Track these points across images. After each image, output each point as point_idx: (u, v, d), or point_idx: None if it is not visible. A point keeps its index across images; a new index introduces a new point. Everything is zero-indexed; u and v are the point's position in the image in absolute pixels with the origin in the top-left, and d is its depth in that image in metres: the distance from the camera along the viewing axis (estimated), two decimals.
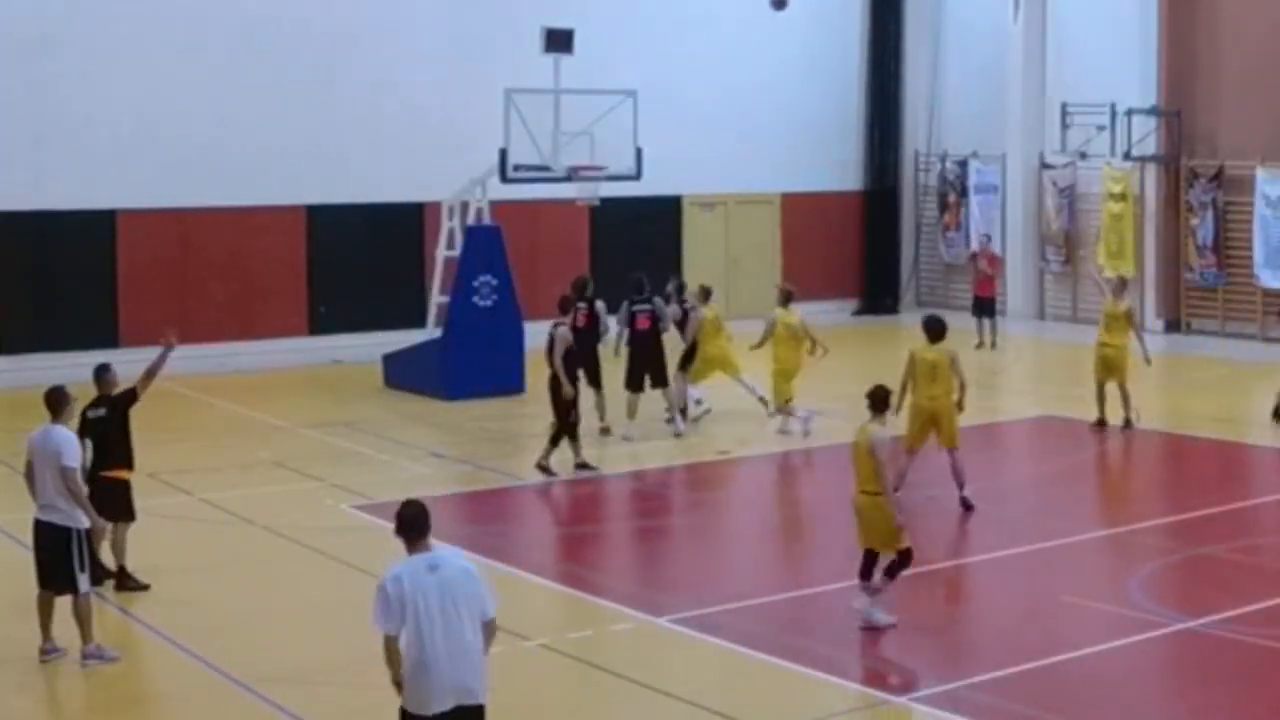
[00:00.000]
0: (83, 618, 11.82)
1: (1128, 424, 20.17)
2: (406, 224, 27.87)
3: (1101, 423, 20.28)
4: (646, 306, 20.23)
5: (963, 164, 32.76)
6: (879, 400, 12.70)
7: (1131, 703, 11.27)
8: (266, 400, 23.13)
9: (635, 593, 13.73)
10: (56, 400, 12.13)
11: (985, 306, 28.34)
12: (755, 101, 31.39)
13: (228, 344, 26.38)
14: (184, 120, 26.11)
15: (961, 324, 29.22)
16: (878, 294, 33.53)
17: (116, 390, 13.65)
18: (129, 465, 13.83)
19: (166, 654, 12.35)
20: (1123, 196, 29.63)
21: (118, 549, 13.62)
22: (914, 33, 33.56)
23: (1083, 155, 29.67)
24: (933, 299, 33.62)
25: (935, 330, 16.37)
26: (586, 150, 22.23)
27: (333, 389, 24.27)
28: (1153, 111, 28.99)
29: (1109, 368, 20.18)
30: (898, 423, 14.97)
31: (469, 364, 22.50)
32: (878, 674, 11.58)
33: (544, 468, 17.78)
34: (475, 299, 22.98)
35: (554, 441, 17.80)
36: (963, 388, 16.22)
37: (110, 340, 24.76)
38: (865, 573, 12.47)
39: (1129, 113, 28.74)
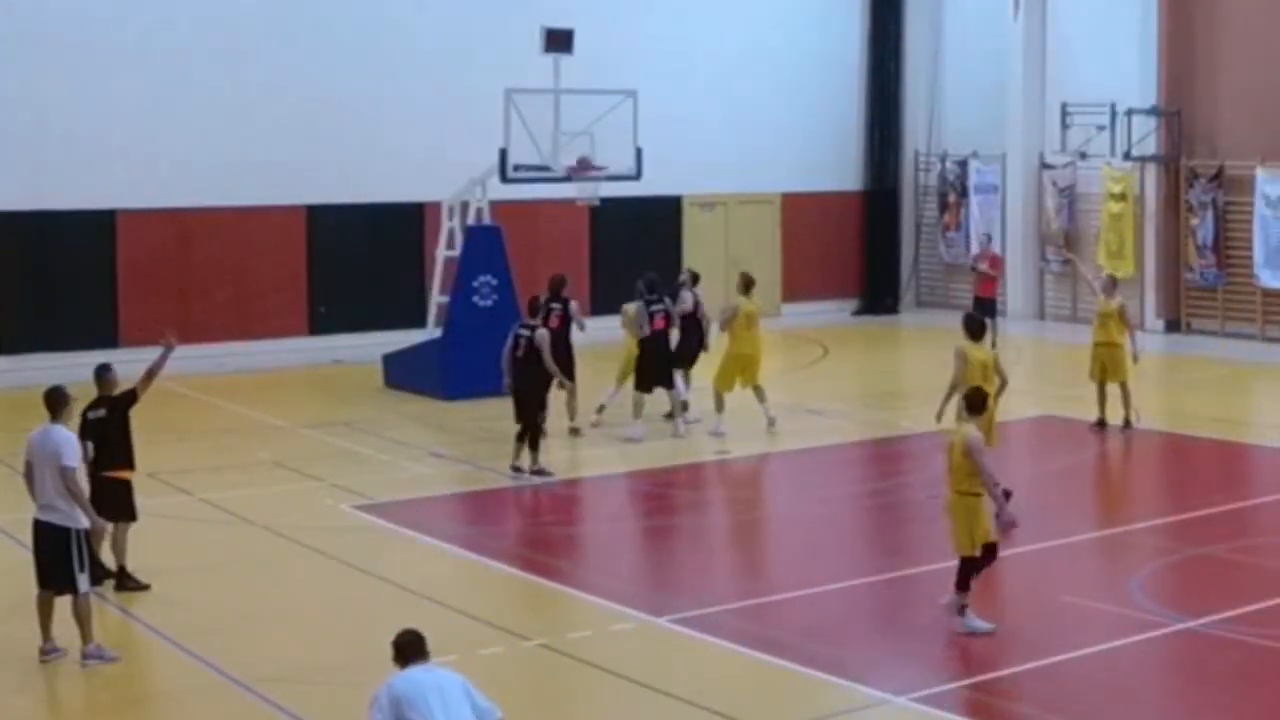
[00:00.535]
0: (83, 618, 11.82)
1: (1127, 424, 20.15)
2: (406, 224, 27.87)
3: (1101, 423, 20.26)
4: (660, 307, 20.25)
5: (963, 164, 32.75)
6: (976, 402, 12.80)
7: (1131, 703, 11.27)
8: (266, 400, 23.12)
9: (635, 593, 13.72)
10: (55, 400, 12.13)
11: (985, 306, 28.28)
12: (755, 101, 31.39)
13: (228, 344, 26.39)
14: (184, 120, 26.12)
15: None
16: (878, 294, 33.51)
17: (117, 391, 13.66)
18: (130, 465, 13.83)
19: (166, 654, 12.35)
20: (1123, 196, 29.63)
21: (118, 549, 13.62)
22: (914, 33, 33.54)
23: (1083, 155, 29.64)
24: (933, 299, 33.63)
25: (979, 329, 16.22)
26: (586, 150, 22.23)
27: (333, 389, 24.27)
28: (1153, 111, 28.98)
29: (1107, 367, 20.15)
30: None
31: (469, 364, 22.46)
32: (878, 674, 11.57)
33: (530, 469, 17.76)
34: (475, 299, 22.97)
35: (525, 441, 17.78)
36: (1003, 386, 16.18)
37: (110, 340, 24.79)
38: (962, 582, 12.40)
39: (1129, 113, 28.73)
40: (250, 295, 27.08)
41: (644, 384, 20.03)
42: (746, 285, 20.76)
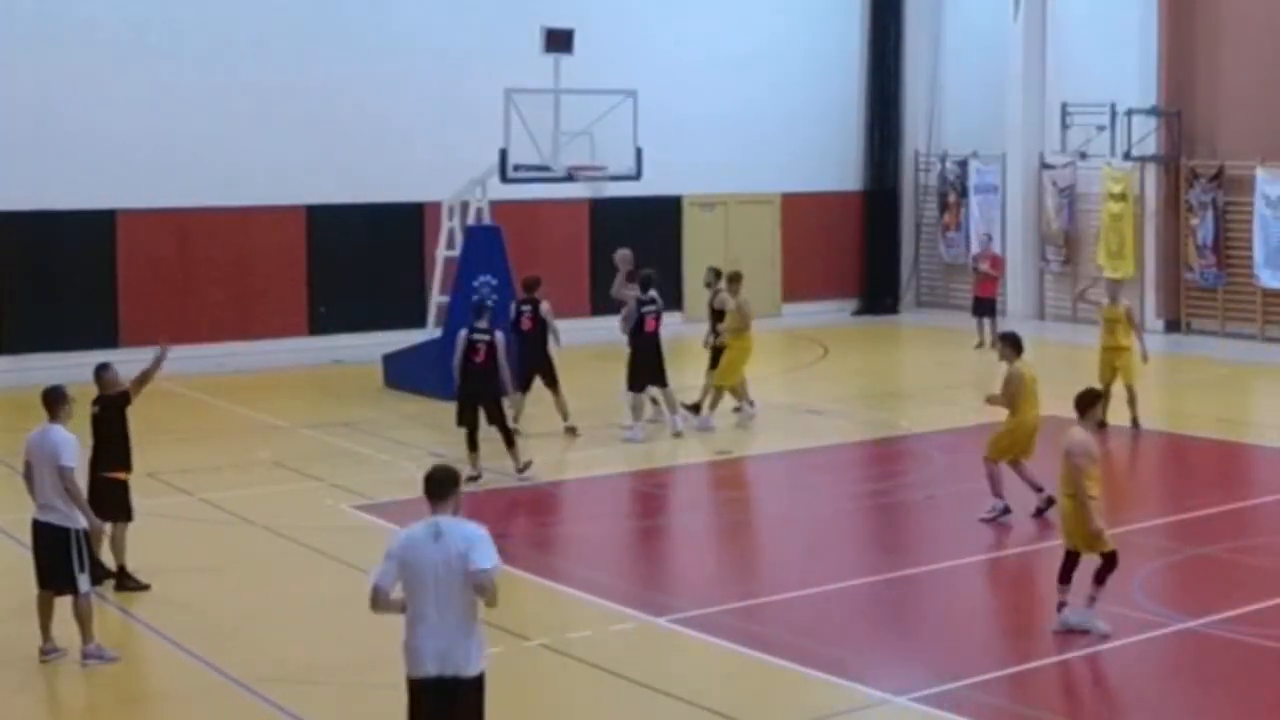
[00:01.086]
0: (83, 618, 11.82)
1: (1135, 424, 20.10)
2: (406, 224, 27.87)
3: (1102, 424, 20.21)
4: (653, 307, 20.23)
5: (963, 164, 32.75)
6: (1086, 403, 12.62)
7: (1131, 703, 11.27)
8: (266, 400, 23.11)
9: (635, 593, 13.72)
10: (54, 400, 12.13)
11: (986, 307, 28.31)
12: (755, 101, 31.38)
13: (227, 344, 26.40)
14: (184, 120, 26.13)
15: (962, 324, 29.29)
16: (878, 294, 33.51)
17: (116, 390, 13.67)
18: (126, 466, 13.81)
19: (166, 654, 12.35)
20: (1123, 196, 29.62)
21: (117, 549, 13.63)
22: (914, 33, 33.54)
23: (1083, 155, 29.65)
24: (933, 299, 33.65)
25: (1021, 345, 16.07)
26: (587, 150, 22.22)
27: (333, 389, 24.26)
28: (1153, 111, 28.97)
29: (1117, 370, 20.13)
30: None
31: None
32: (878, 674, 11.56)
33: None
34: (475, 299, 22.92)
35: (478, 450, 17.67)
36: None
37: (110, 340, 24.79)
38: (1064, 575, 12.34)
39: (1129, 113, 28.72)
40: (250, 295, 27.09)
41: (637, 383, 20.02)
42: (733, 280, 20.89)
